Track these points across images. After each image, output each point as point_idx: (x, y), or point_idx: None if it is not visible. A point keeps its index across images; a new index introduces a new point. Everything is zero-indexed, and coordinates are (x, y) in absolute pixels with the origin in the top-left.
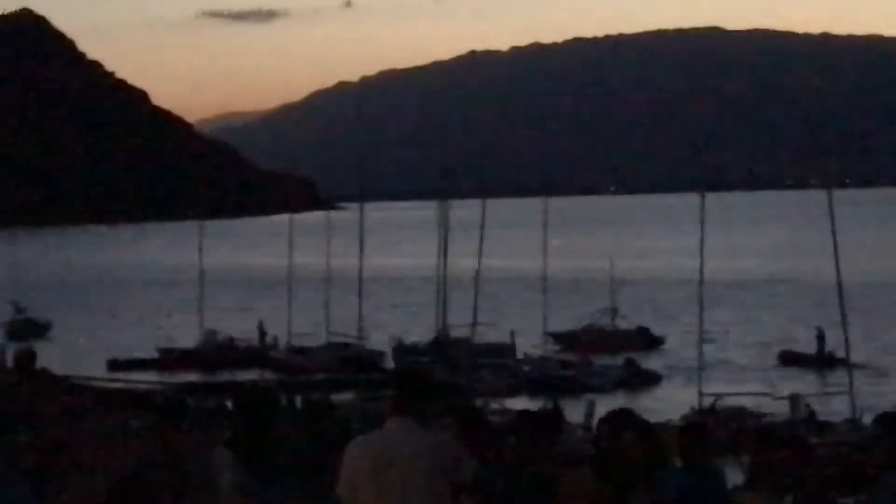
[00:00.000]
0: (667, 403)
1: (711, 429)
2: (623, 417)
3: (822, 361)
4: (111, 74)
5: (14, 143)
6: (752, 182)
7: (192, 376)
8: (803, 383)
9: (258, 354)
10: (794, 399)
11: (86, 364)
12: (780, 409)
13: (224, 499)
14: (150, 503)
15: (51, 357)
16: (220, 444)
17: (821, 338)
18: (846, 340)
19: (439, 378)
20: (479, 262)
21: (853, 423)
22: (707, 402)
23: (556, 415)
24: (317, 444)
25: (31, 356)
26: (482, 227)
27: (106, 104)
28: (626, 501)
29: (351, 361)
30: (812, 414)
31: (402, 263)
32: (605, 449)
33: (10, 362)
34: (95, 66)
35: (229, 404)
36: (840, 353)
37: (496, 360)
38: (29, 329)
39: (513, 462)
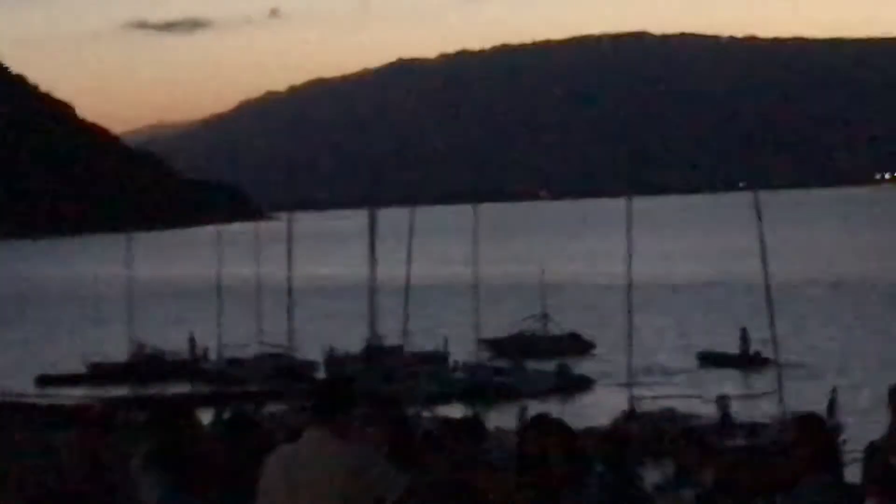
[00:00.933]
0: (598, 408)
1: (634, 433)
2: (546, 423)
3: (745, 361)
4: (35, 88)
5: None
6: (682, 186)
7: (122, 390)
8: (732, 385)
9: (189, 367)
10: (721, 400)
11: (14, 380)
12: (709, 410)
13: None
14: None
15: None
16: (139, 457)
17: (744, 338)
18: (774, 340)
19: (372, 387)
20: (408, 270)
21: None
22: (636, 405)
23: (475, 422)
24: (239, 456)
25: None
26: (411, 234)
27: (31, 118)
28: None
29: (284, 372)
30: (726, 416)
31: (333, 273)
32: (529, 454)
33: None
34: (19, 79)
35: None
36: (766, 354)
37: (429, 367)
38: None
39: (440, 471)
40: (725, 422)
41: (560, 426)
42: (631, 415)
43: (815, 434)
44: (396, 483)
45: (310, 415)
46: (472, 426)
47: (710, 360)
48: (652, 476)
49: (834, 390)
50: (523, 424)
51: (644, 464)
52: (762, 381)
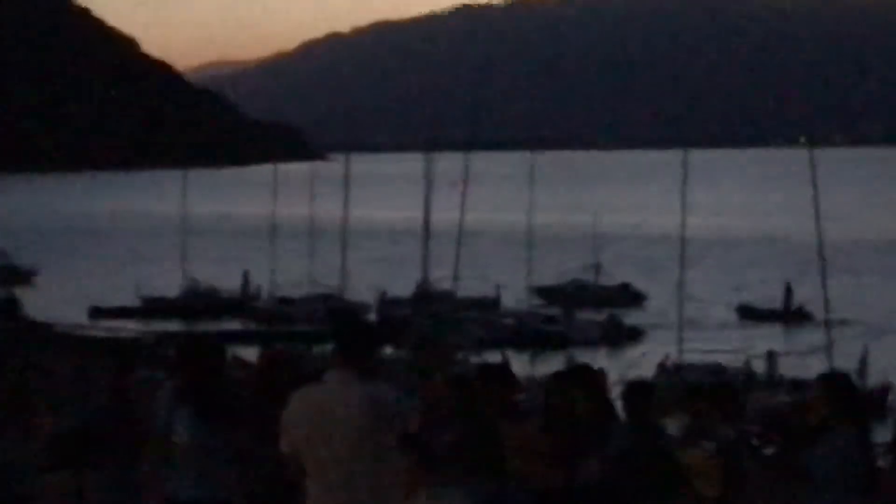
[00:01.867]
0: (647, 360)
1: (662, 387)
2: (575, 374)
3: (787, 316)
4: (100, 21)
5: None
6: (738, 140)
7: (174, 325)
8: (774, 339)
9: (241, 304)
10: (770, 356)
11: (68, 312)
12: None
13: (175, 443)
14: (104, 451)
15: (35, 304)
16: (167, 390)
17: (788, 291)
18: (825, 298)
19: (422, 330)
20: (461, 216)
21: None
22: (668, 359)
23: (504, 369)
24: (269, 394)
25: (12, 303)
26: (466, 180)
27: (94, 51)
28: (573, 457)
29: (335, 312)
30: (771, 372)
31: (388, 216)
32: (555, 405)
33: None
34: (84, 12)
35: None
36: (811, 309)
37: (480, 313)
38: (11, 276)
39: (460, 416)
40: (771, 378)
41: (589, 376)
42: (664, 367)
43: (838, 391)
44: (413, 416)
45: (331, 355)
46: (502, 373)
47: (750, 313)
48: (673, 429)
49: (865, 349)
50: (551, 375)
51: (669, 416)
52: (808, 336)
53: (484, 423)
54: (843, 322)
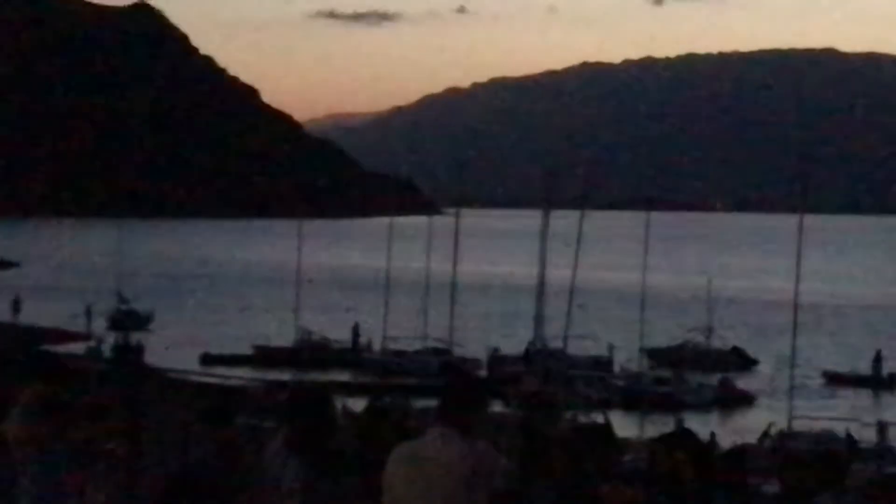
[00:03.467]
0: (756, 425)
1: (764, 453)
2: (681, 438)
3: (876, 383)
4: (223, 70)
5: (123, 133)
6: (855, 206)
7: (284, 375)
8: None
9: (352, 356)
10: (880, 426)
11: (181, 357)
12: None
13: (282, 492)
14: (207, 499)
15: (149, 349)
16: (277, 438)
17: (878, 359)
18: None
19: (531, 388)
20: (574, 273)
21: None
22: (772, 426)
23: (606, 430)
24: (372, 446)
25: (132, 349)
26: (579, 238)
27: (216, 99)
28: None
29: (445, 367)
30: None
31: (501, 271)
32: (659, 467)
33: (107, 352)
34: (208, 61)
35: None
36: None
37: (591, 372)
38: (130, 320)
39: (561, 476)
40: (879, 448)
41: (694, 440)
42: (767, 433)
43: None
44: (506, 474)
45: (436, 411)
46: (604, 435)
47: (837, 379)
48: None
49: None
50: (654, 438)
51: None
52: None
53: (584, 485)
54: None
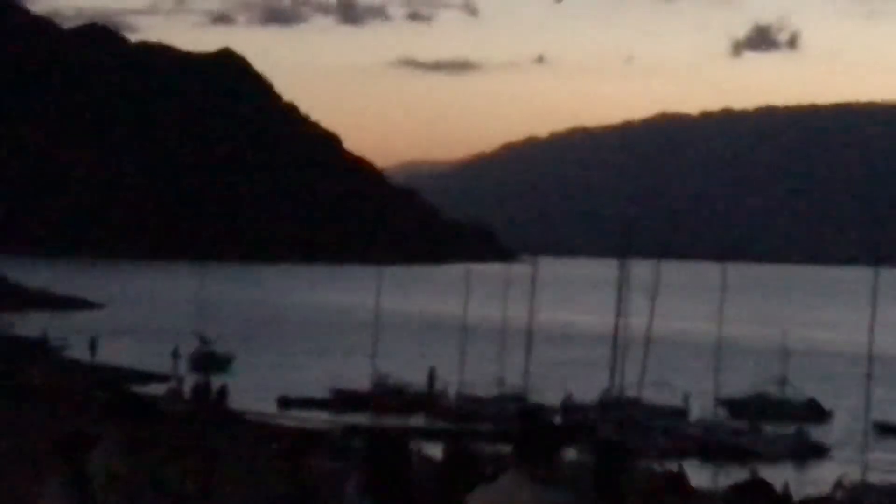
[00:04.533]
0: (831, 476)
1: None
2: (754, 488)
3: None
4: (306, 117)
5: (208, 179)
6: None
7: (361, 418)
8: None
9: (427, 400)
10: None
11: (259, 400)
12: None
13: None
14: None
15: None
16: (353, 482)
17: None
18: None
19: (607, 436)
20: (650, 323)
21: None
22: (844, 477)
23: (680, 480)
24: (453, 492)
25: (215, 391)
26: (656, 287)
27: (299, 146)
28: None
29: (524, 413)
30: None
31: (578, 319)
32: None
33: (188, 394)
34: (291, 107)
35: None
36: None
37: (667, 422)
38: (211, 362)
39: None
40: None
41: (768, 491)
42: (841, 485)
43: None
44: None
45: (513, 456)
46: (676, 483)
47: (887, 430)
48: None
49: None
50: (730, 487)
51: None
52: None
53: None
54: None
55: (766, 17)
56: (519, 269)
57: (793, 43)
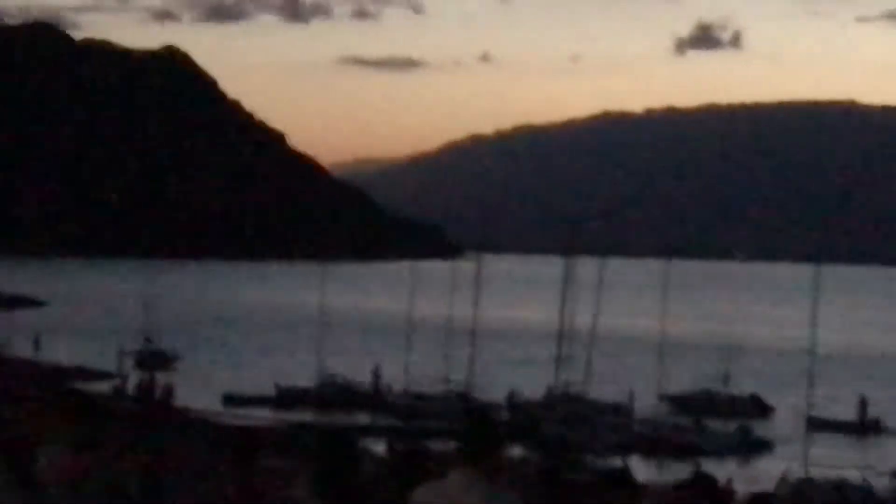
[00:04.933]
0: (774, 472)
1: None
2: (698, 484)
3: (859, 429)
4: (251, 115)
5: (151, 176)
6: (874, 257)
7: (307, 416)
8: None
9: (375, 398)
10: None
11: (204, 398)
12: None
13: None
14: None
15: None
16: (304, 481)
17: (862, 406)
18: None
19: (552, 432)
20: (595, 320)
21: None
22: (788, 473)
23: (625, 476)
24: (401, 489)
25: (155, 388)
26: (600, 285)
27: (244, 143)
28: None
29: (465, 411)
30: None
31: (523, 316)
32: None
33: (132, 390)
34: (235, 105)
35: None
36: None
37: (611, 418)
38: (156, 360)
39: None
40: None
41: (712, 487)
42: (785, 480)
43: None
44: None
45: (459, 454)
46: (622, 479)
47: (820, 425)
48: None
49: None
50: (673, 484)
51: None
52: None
53: None
54: None
55: (710, 15)
56: (465, 267)
57: (736, 41)
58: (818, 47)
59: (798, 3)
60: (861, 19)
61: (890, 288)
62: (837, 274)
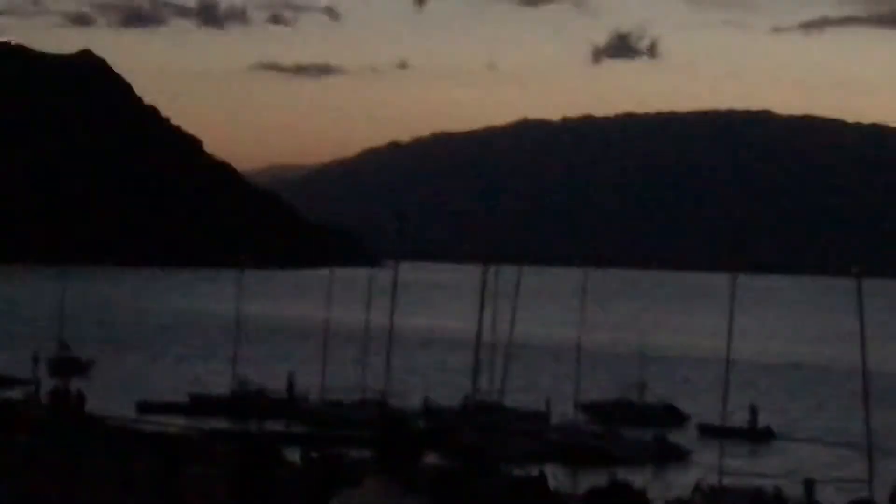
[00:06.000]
0: (689, 480)
1: None
2: (614, 492)
3: (750, 435)
4: (166, 120)
5: (65, 180)
6: (791, 265)
7: (221, 423)
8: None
9: (289, 405)
10: (807, 484)
11: (118, 405)
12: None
13: None
14: None
15: (88, 396)
16: (225, 486)
17: (753, 413)
18: (868, 427)
19: (468, 440)
20: (512, 328)
21: None
22: (702, 482)
23: (541, 483)
24: (310, 496)
25: (69, 395)
26: (517, 293)
27: (159, 149)
28: None
29: (381, 419)
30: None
31: (440, 324)
32: None
33: (46, 398)
34: (151, 110)
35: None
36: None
37: (527, 426)
38: (70, 367)
39: None
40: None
41: (628, 495)
42: (699, 488)
43: None
44: None
45: (375, 462)
46: (537, 487)
47: (711, 432)
48: None
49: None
50: (589, 492)
51: None
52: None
53: None
54: (888, 452)
55: (627, 24)
56: (382, 274)
57: (652, 51)
58: (734, 57)
59: (714, 14)
60: (776, 30)
61: (814, 298)
62: (754, 283)
